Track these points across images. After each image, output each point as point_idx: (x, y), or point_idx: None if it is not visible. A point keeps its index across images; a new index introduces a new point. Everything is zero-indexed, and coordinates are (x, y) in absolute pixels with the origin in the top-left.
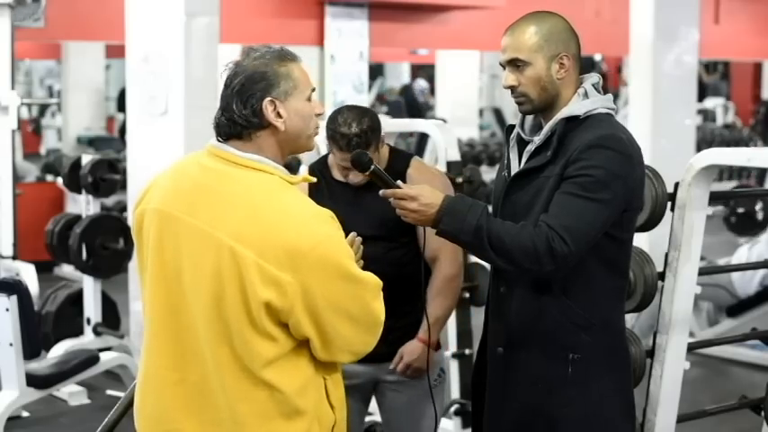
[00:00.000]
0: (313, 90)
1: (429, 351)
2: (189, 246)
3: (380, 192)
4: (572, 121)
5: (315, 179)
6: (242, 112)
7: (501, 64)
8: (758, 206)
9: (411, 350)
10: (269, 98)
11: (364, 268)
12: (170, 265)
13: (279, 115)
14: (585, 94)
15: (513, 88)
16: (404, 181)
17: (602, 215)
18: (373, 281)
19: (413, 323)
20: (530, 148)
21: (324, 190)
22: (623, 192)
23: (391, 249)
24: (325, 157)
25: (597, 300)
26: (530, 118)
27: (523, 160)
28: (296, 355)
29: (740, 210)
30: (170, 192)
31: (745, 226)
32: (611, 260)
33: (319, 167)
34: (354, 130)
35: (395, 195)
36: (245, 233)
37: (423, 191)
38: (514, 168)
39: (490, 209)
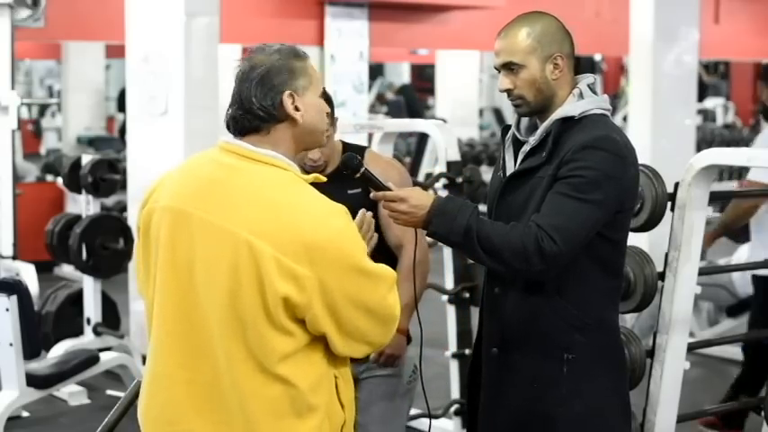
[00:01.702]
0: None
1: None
2: (203, 242)
3: (371, 195)
4: (567, 121)
5: (325, 179)
6: (262, 104)
7: (495, 68)
8: None
9: None
10: (288, 91)
11: None
12: (181, 262)
13: (297, 108)
14: (581, 95)
15: (509, 91)
16: None
17: (594, 216)
18: (388, 274)
19: None
20: (525, 148)
21: None
22: (616, 193)
23: None
24: None
25: (591, 299)
26: (525, 118)
27: (518, 161)
28: (311, 349)
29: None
30: (181, 189)
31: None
32: (605, 260)
33: None
34: None
35: (385, 198)
36: (261, 227)
37: (412, 192)
38: (510, 169)
39: (483, 208)
